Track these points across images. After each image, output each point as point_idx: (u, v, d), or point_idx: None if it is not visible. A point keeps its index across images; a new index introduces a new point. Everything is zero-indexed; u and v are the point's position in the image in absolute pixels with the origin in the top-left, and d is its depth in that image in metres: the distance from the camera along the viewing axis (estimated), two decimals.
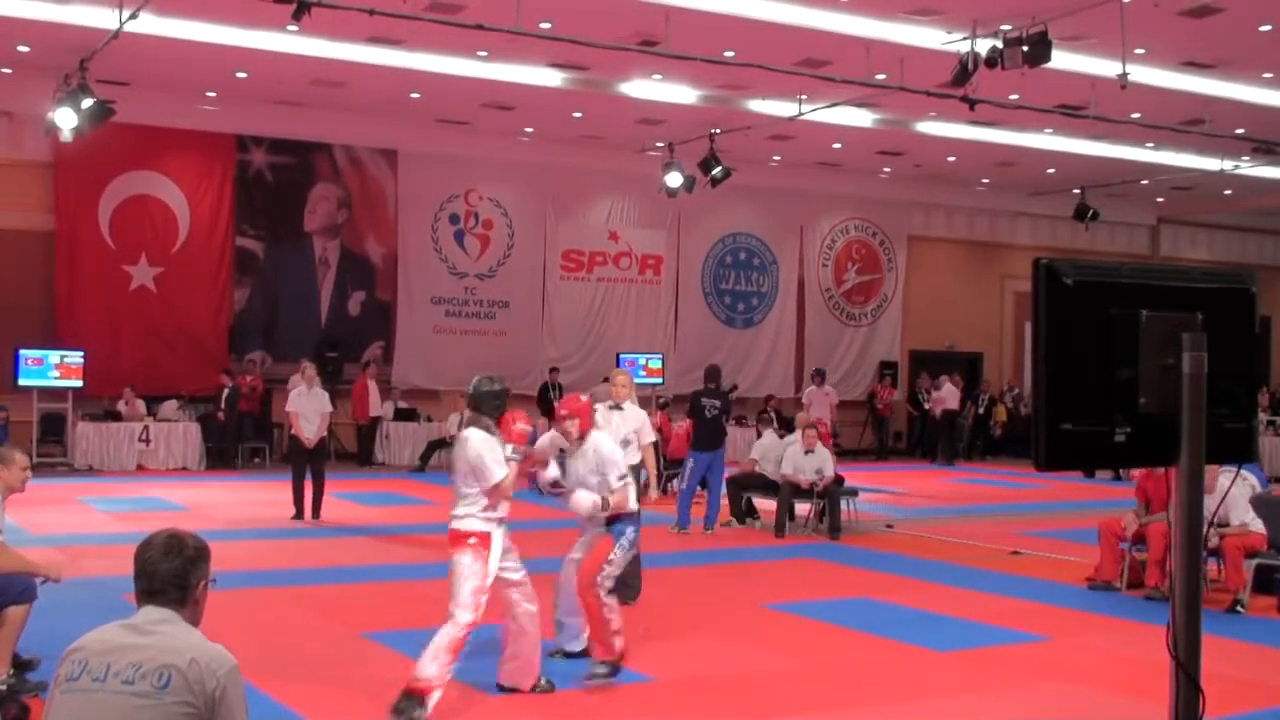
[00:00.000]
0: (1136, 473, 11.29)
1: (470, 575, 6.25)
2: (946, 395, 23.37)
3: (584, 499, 6.96)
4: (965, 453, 24.09)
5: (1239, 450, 2.86)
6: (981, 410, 24.79)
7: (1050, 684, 7.06)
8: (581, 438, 7.05)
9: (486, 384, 6.49)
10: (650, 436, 9.31)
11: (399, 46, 15.86)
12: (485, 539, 6.32)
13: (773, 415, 18.45)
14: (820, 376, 21.33)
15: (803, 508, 13.39)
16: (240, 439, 19.57)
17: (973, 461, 23.72)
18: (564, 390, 21.35)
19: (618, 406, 9.13)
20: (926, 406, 24.00)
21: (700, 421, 13.26)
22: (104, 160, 18.63)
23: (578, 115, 19.80)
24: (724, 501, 13.74)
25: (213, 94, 18.93)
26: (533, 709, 6.34)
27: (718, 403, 13.25)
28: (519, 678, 6.59)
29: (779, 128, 19.37)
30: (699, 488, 13.34)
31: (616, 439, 8.70)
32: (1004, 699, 6.78)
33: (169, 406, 19.19)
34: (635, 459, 8.98)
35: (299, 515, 13.33)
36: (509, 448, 6.38)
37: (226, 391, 18.93)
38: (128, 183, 19.44)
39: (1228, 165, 22.04)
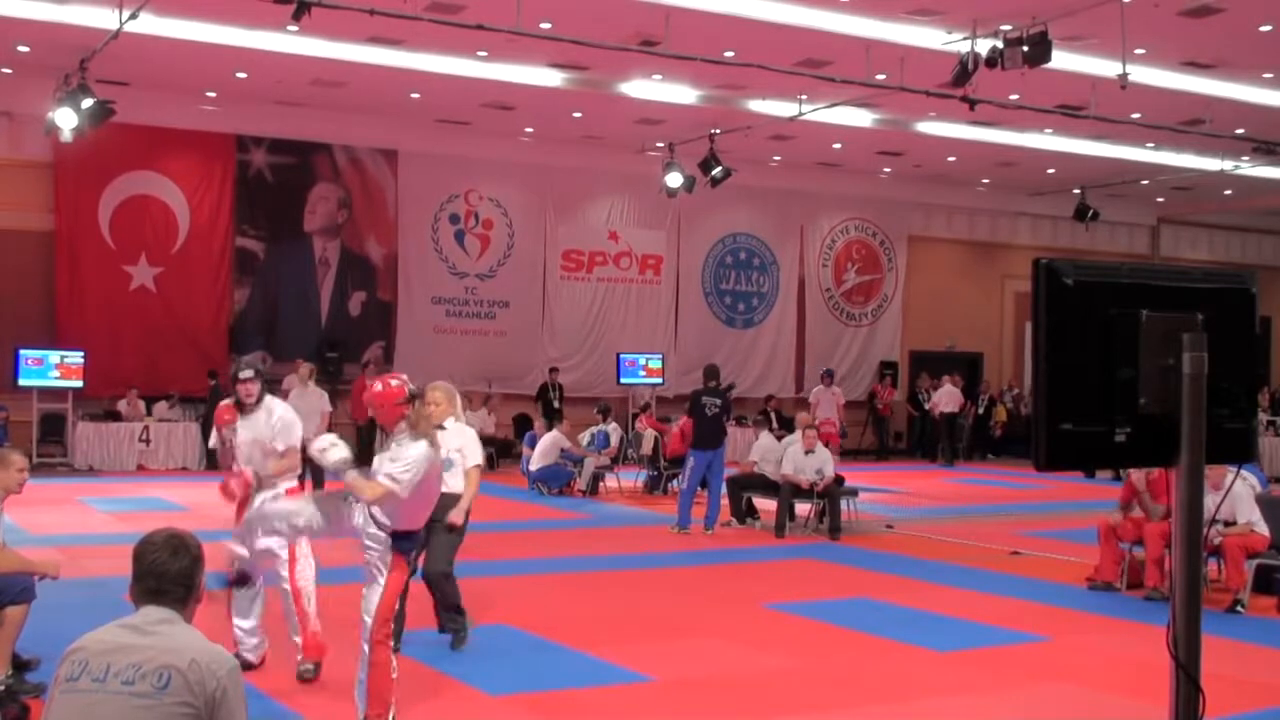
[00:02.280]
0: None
1: None
2: (945, 397, 23.27)
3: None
4: (966, 453, 24.09)
5: (1239, 450, 2.86)
6: (981, 410, 24.80)
7: (1050, 684, 7.06)
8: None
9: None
10: (475, 459, 7.62)
11: (399, 46, 15.86)
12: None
13: (772, 416, 18.44)
14: (830, 377, 21.31)
15: (803, 508, 13.39)
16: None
17: (973, 461, 23.72)
18: (564, 390, 21.40)
19: (439, 427, 7.21)
20: (927, 407, 23.98)
21: (701, 420, 13.24)
22: (104, 160, 18.63)
23: (578, 115, 19.80)
24: (724, 502, 13.77)
25: (213, 94, 18.93)
26: (533, 709, 6.33)
27: (718, 401, 13.27)
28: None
29: (779, 128, 19.37)
30: (699, 488, 13.35)
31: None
32: (1004, 699, 6.78)
33: (161, 406, 19.19)
34: (457, 485, 7.47)
35: None
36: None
37: (209, 392, 19.02)
38: (128, 183, 19.44)
39: (1228, 165, 22.04)
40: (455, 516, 7.40)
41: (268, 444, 6.94)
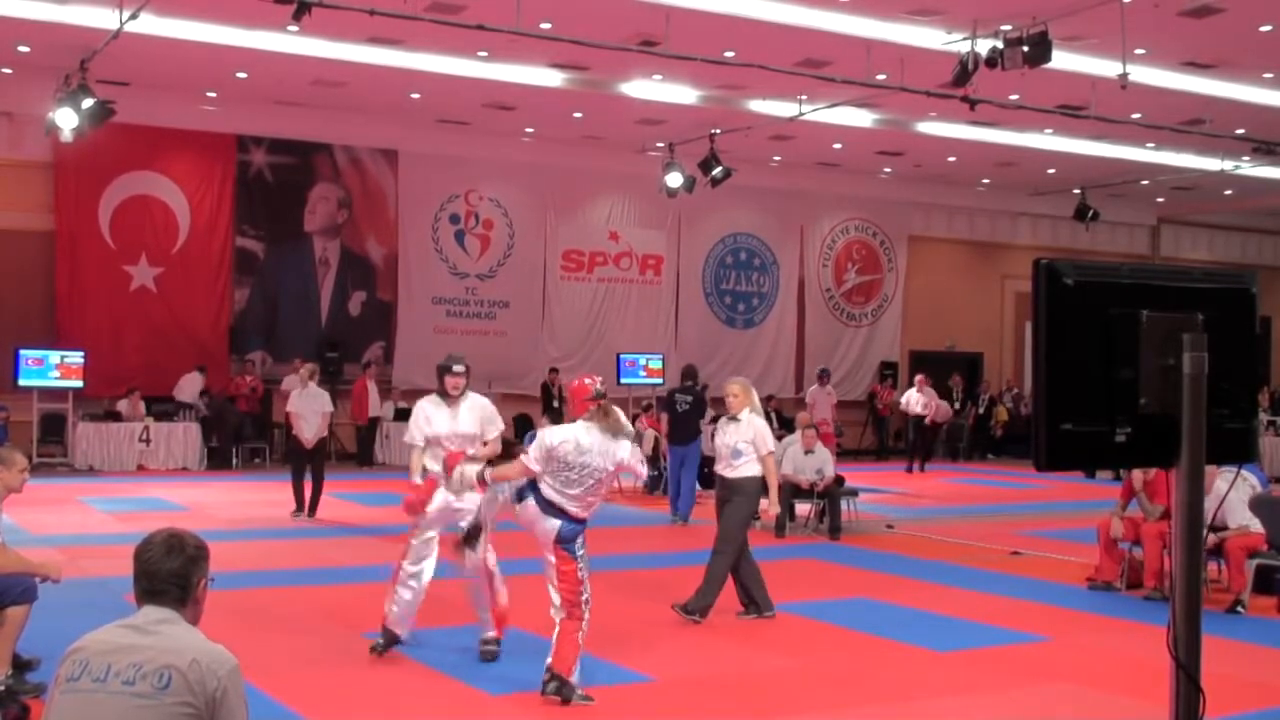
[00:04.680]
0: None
1: None
2: (915, 400, 21.61)
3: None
4: (966, 453, 24.06)
5: (1239, 450, 2.86)
6: (982, 410, 24.71)
7: (1050, 684, 7.06)
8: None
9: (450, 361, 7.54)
10: (769, 446, 8.61)
11: (399, 46, 15.86)
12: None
13: (772, 416, 18.38)
14: (826, 376, 21.27)
15: (803, 508, 13.39)
16: (240, 439, 19.60)
17: (972, 461, 23.71)
18: (564, 391, 21.39)
19: (734, 419, 8.67)
20: (902, 407, 23.23)
21: (673, 416, 14.07)
22: (104, 160, 18.63)
23: (578, 115, 19.80)
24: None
25: (213, 94, 18.93)
26: (533, 708, 6.33)
27: (689, 399, 14.01)
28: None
29: (779, 128, 19.38)
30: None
31: (726, 449, 8.60)
32: (1004, 699, 6.78)
33: (192, 379, 19.12)
34: (754, 470, 8.55)
35: (300, 509, 13.37)
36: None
37: (206, 397, 19.11)
38: (128, 183, 19.44)
39: (1228, 165, 22.04)
40: (771, 509, 8.74)
41: (471, 434, 7.42)
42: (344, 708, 6.31)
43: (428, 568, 7.33)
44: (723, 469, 8.71)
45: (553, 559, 6.48)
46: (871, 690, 6.92)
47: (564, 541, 6.45)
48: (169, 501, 14.63)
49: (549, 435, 6.61)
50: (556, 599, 6.50)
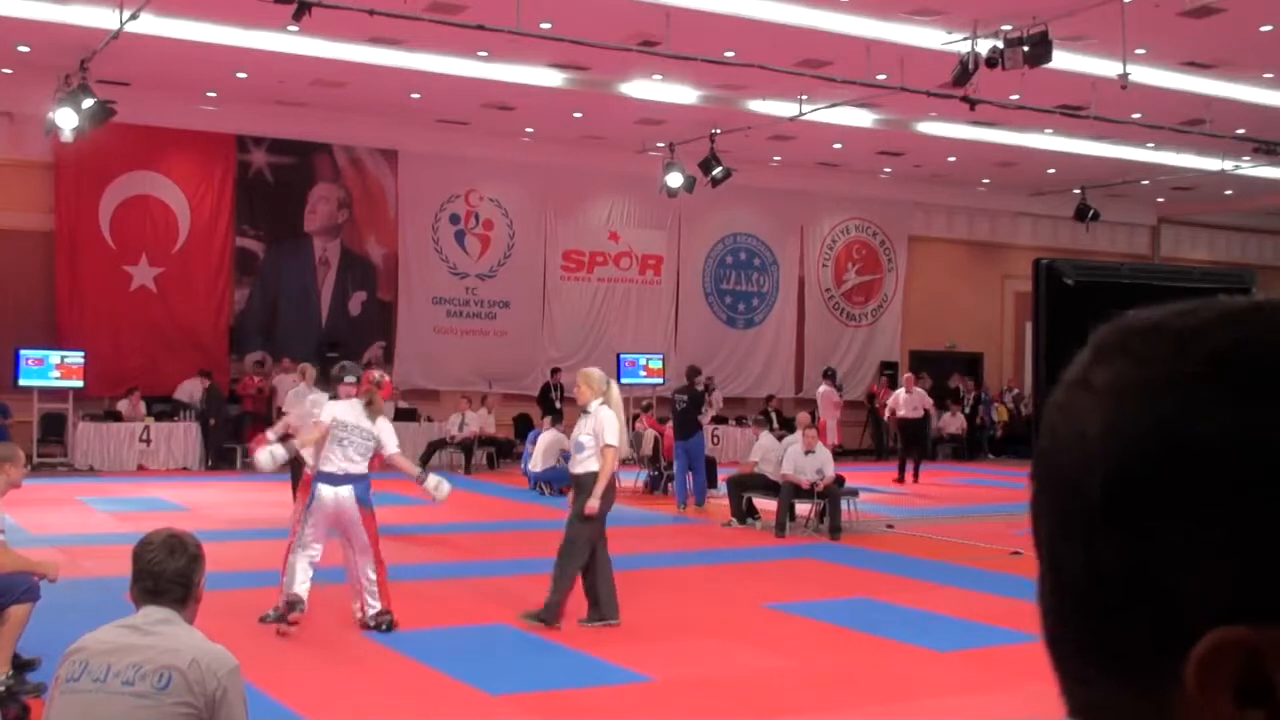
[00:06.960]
0: None
1: None
2: (903, 403, 20.21)
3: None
4: (966, 453, 24.04)
5: None
6: (967, 411, 24.61)
7: (1050, 684, 7.02)
8: None
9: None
10: (608, 439, 8.02)
11: (399, 46, 15.86)
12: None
13: (772, 416, 18.42)
14: (832, 376, 21.23)
15: (803, 508, 13.39)
16: (239, 438, 19.59)
17: (975, 461, 23.71)
18: (565, 391, 21.38)
19: (585, 411, 8.29)
20: (887, 411, 22.33)
21: (673, 414, 15.48)
22: (104, 160, 18.61)
23: (578, 115, 19.79)
24: (725, 501, 13.86)
25: (213, 94, 18.92)
26: (533, 709, 6.33)
27: (685, 397, 15.34)
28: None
29: (779, 128, 19.37)
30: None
31: (573, 444, 8.40)
32: (1004, 699, 6.77)
33: (194, 385, 19.09)
34: (593, 465, 8.09)
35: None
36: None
37: (205, 392, 19.09)
38: (128, 183, 19.44)
39: (1228, 165, 22.02)
40: (591, 504, 7.96)
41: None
42: (344, 708, 6.32)
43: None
44: (571, 464, 8.45)
45: (358, 518, 7.68)
46: (871, 690, 6.92)
47: (362, 502, 7.73)
48: (169, 501, 14.63)
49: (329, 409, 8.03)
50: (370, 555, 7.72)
